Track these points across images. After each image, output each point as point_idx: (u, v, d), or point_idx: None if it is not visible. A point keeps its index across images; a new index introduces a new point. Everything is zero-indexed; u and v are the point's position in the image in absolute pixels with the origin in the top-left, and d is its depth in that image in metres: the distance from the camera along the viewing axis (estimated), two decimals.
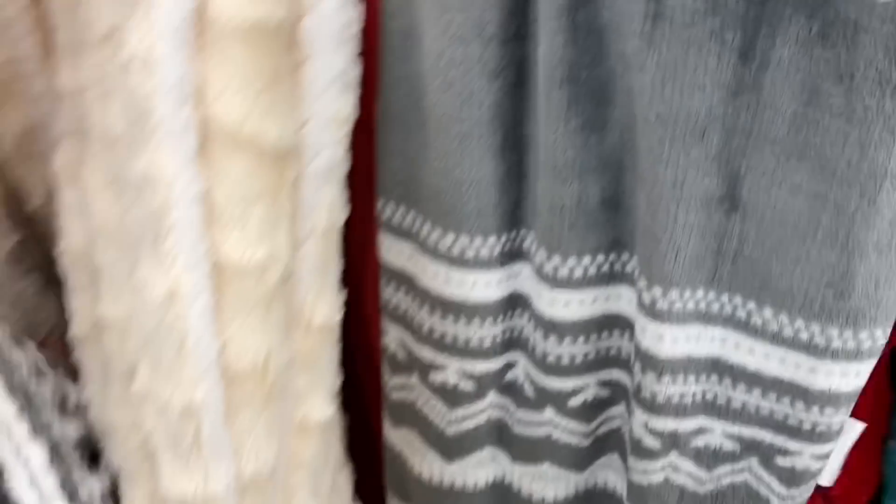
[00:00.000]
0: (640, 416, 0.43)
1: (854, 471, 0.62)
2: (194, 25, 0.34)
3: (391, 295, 0.45)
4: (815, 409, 0.40)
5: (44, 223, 0.51)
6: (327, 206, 0.39)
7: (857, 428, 0.55)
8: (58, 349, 0.50)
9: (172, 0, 0.33)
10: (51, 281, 0.50)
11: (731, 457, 0.44)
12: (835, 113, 0.32)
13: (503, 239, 0.40)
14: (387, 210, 0.42)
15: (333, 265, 0.41)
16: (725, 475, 0.45)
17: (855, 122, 0.31)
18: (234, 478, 0.39)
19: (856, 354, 0.37)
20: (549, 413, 0.45)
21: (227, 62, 0.36)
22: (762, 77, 0.32)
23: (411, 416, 0.49)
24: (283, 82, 0.36)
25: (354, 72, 0.37)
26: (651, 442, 0.43)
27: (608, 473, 0.50)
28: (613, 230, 0.39)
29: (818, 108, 0.32)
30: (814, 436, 0.41)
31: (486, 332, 0.43)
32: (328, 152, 0.38)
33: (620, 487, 0.50)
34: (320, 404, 0.43)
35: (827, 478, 0.57)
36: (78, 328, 0.45)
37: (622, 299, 0.41)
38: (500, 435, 0.49)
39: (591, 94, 0.35)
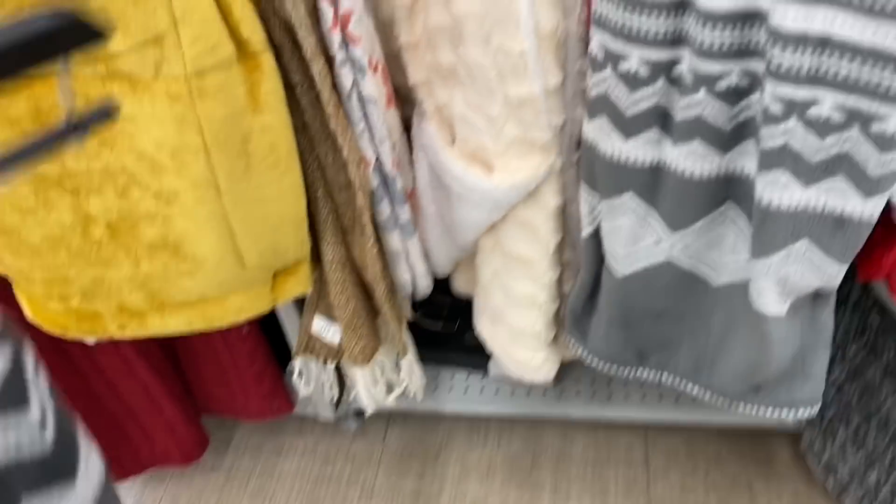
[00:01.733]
0: (769, 86, 0.60)
1: None
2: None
3: (598, 5, 0.65)
4: None
5: None
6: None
7: None
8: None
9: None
10: None
11: (838, 127, 0.60)
12: None
13: None
14: None
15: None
16: (833, 146, 0.61)
17: None
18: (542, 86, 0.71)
19: None
20: (701, 94, 0.64)
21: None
22: None
23: (603, 105, 0.69)
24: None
25: None
26: (775, 108, 0.61)
27: (745, 160, 0.68)
28: None
29: None
30: None
31: (660, 25, 0.62)
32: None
33: (753, 173, 0.67)
34: None
35: None
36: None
37: None
38: (664, 121, 0.68)
39: None
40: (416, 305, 1.18)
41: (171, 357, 1.13)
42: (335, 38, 0.74)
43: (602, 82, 0.68)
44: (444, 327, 1.25)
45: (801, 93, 0.59)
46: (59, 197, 0.73)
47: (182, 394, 1.13)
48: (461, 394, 1.23)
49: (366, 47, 0.77)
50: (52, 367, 0.99)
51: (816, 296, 0.72)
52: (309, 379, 1.06)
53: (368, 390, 0.98)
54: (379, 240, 0.86)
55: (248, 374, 1.13)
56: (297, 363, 1.03)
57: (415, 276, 0.94)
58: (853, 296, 0.94)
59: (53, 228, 0.75)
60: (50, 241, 0.75)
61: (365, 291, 0.91)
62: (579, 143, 0.75)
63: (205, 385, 1.16)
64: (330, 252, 0.84)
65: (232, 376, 1.13)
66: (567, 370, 1.18)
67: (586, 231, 0.79)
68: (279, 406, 1.19)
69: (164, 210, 0.75)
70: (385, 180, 0.86)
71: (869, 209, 0.62)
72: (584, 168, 0.75)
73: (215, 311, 0.86)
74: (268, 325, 1.11)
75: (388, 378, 0.99)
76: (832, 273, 0.67)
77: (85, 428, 1.06)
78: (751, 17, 0.60)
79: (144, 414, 1.10)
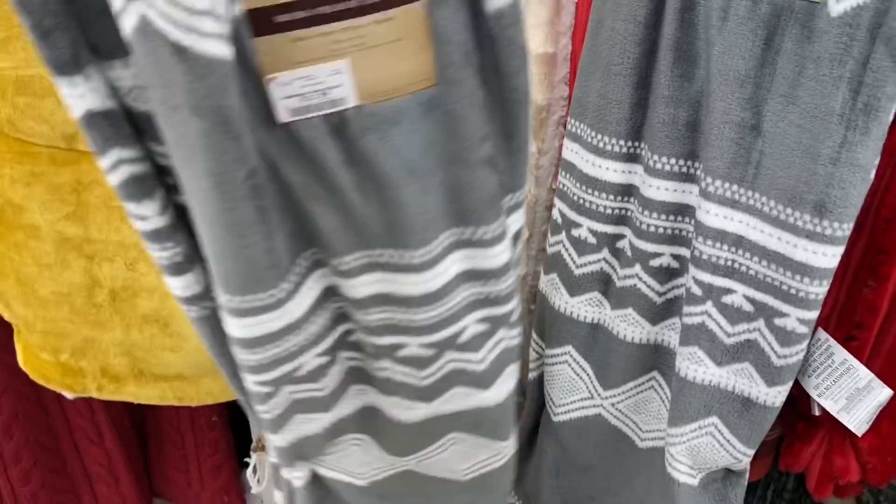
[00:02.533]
0: (692, 270, 0.69)
1: (885, 436, 0.81)
2: None
3: (562, 179, 0.76)
4: (798, 277, 0.64)
5: None
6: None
7: (884, 392, 0.75)
8: None
9: None
10: None
11: (748, 316, 0.68)
12: (811, 79, 0.59)
13: (629, 143, 0.70)
14: (570, 123, 0.74)
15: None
16: (743, 332, 0.69)
17: (819, 84, 0.58)
18: None
19: (822, 238, 0.61)
20: (637, 268, 0.73)
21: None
22: (777, 56, 0.60)
23: (556, 263, 0.79)
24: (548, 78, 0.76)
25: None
26: (696, 290, 0.69)
27: (672, 335, 0.76)
28: (692, 144, 0.67)
29: (804, 76, 0.59)
30: (798, 301, 0.64)
31: (608, 203, 0.73)
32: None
33: (677, 346, 0.75)
34: None
35: (856, 427, 0.77)
36: None
37: (692, 195, 0.69)
38: (606, 286, 0.77)
39: (688, 58, 0.65)
40: None
41: (139, 434, 1.18)
42: None
43: (557, 243, 0.78)
44: None
45: (717, 281, 0.68)
46: (75, 259, 0.83)
47: (140, 472, 1.17)
48: None
49: None
50: (29, 418, 1.06)
51: (728, 473, 0.77)
52: (262, 478, 1.10)
53: None
54: None
55: (206, 464, 1.17)
56: (253, 458, 1.08)
57: None
58: (789, 490, 0.98)
59: (63, 286, 0.84)
60: (58, 296, 0.85)
61: None
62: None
63: (164, 467, 1.20)
64: None
65: (191, 462, 1.17)
66: None
67: (531, 375, 0.86)
68: (231, 503, 1.22)
69: (162, 287, 0.84)
70: None
71: (772, 396, 0.69)
72: (536, 317, 0.84)
73: (188, 389, 0.93)
74: (237, 418, 1.17)
75: None
76: (739, 453, 0.72)
77: (44, 484, 1.10)
78: (682, 210, 0.70)
79: (101, 483, 1.14)
